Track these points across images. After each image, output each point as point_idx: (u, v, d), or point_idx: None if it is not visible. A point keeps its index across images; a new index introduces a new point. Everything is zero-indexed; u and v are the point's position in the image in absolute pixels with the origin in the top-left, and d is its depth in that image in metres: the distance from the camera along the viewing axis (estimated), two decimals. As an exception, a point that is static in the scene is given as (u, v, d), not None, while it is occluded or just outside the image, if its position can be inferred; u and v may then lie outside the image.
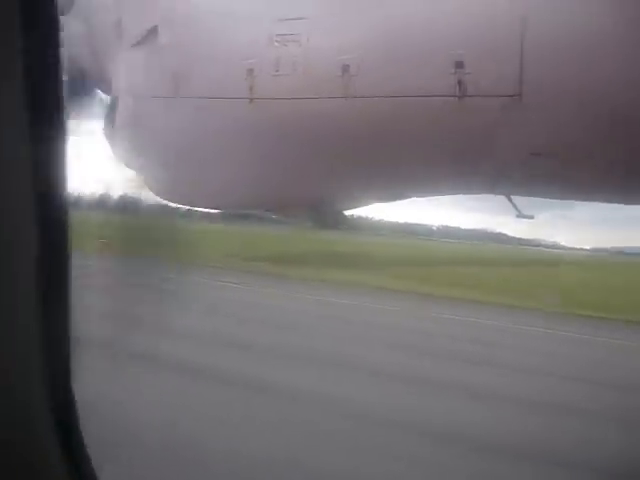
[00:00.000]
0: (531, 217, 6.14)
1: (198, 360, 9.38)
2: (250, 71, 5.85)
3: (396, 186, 6.44)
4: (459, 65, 4.96)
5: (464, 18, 5.00)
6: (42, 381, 1.13)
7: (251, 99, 5.90)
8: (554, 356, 13.13)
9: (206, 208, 8.06)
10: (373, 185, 6.46)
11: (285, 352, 10.62)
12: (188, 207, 8.49)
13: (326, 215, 6.76)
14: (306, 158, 6.03)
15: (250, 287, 19.44)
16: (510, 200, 6.10)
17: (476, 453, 6.25)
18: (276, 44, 5.74)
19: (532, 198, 6.35)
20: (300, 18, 5.64)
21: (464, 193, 6.54)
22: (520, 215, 6.12)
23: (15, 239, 1.00)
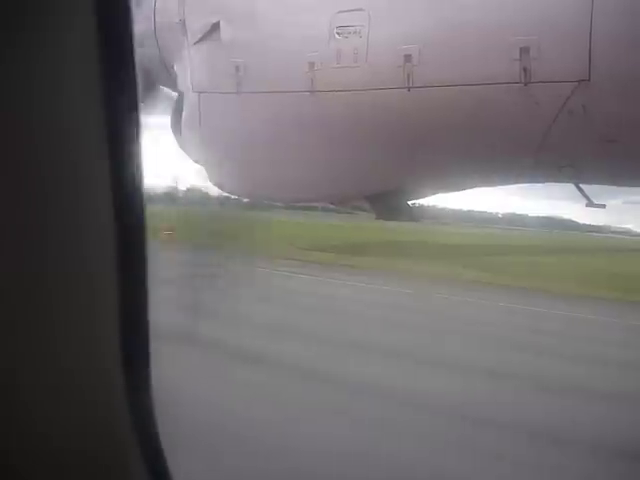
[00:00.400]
0: (602, 206, 5.97)
1: (268, 351, 9.47)
2: (312, 64, 5.86)
3: (462, 176, 6.36)
4: (524, 51, 4.84)
5: (528, 2, 4.88)
6: (123, 393, 1.16)
7: (313, 92, 5.92)
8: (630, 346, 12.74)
9: (271, 202, 8.12)
10: (438, 175, 6.39)
11: (347, 342, 10.63)
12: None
13: (391, 206, 6.72)
14: (369, 149, 6.01)
15: (317, 277, 19.52)
16: (580, 189, 5.95)
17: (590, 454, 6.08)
18: (337, 36, 5.73)
19: (600, 185, 6.17)
20: (360, 9, 5.61)
21: (533, 182, 6.39)
22: (590, 204, 5.95)
23: (94, 243, 1.03)
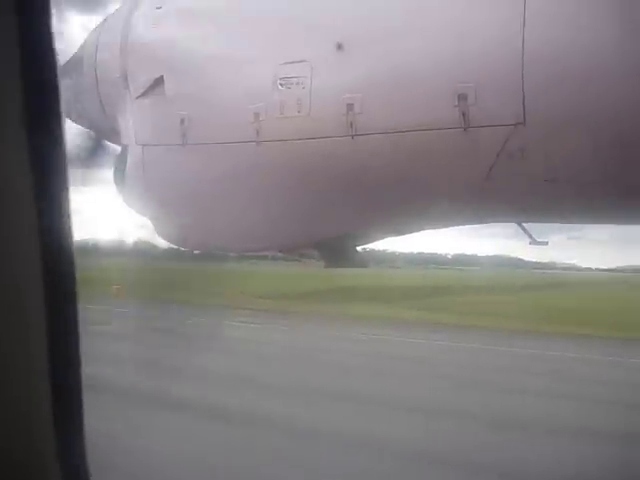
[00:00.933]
0: (545, 243, 6.12)
1: (208, 400, 9.34)
2: (256, 115, 5.92)
3: (407, 220, 6.45)
4: (462, 97, 4.99)
5: (464, 51, 5.05)
6: (54, 438, 1.16)
7: (258, 142, 5.96)
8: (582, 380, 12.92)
9: (217, 252, 8.08)
10: (385, 220, 6.47)
11: (294, 388, 10.59)
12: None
13: (339, 253, 6.75)
14: (316, 197, 6.07)
15: (267, 325, 19.40)
16: (522, 227, 6.10)
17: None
18: (280, 87, 5.81)
19: (542, 223, 6.33)
20: (302, 61, 5.71)
21: (476, 224, 6.53)
22: (534, 242, 6.10)
23: (23, 291, 1.02)
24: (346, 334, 17.30)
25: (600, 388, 12.15)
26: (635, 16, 4.49)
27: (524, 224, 6.17)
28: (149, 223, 7.59)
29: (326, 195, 6.04)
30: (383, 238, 7.01)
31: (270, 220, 6.55)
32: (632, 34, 4.51)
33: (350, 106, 5.43)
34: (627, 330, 17.60)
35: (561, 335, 17.58)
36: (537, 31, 4.75)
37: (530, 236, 6.09)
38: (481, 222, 6.45)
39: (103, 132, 7.77)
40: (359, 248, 7.05)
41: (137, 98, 6.78)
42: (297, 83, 5.72)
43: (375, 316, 21.02)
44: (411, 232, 6.92)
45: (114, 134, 7.46)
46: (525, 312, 21.63)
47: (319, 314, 21.18)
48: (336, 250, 6.74)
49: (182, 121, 6.38)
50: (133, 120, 6.95)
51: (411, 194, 5.81)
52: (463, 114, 5.03)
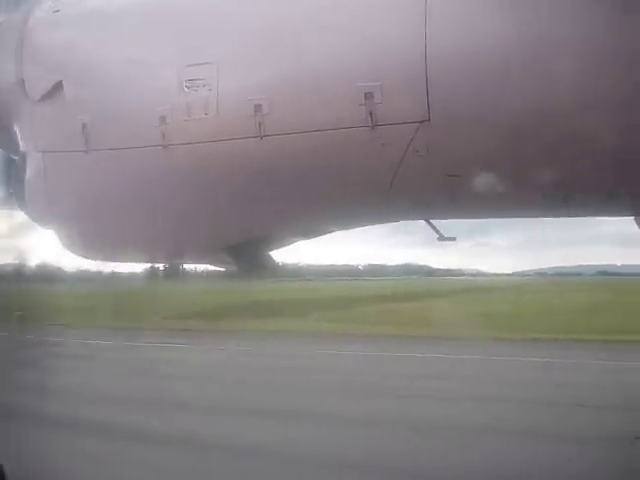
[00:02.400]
0: (453, 239, 6.25)
1: (121, 421, 9.16)
2: (163, 118, 5.80)
3: (317, 221, 6.47)
4: (369, 96, 5.05)
5: (369, 50, 5.12)
6: None
7: (165, 146, 5.84)
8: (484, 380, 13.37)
9: (124, 262, 7.85)
10: (294, 223, 6.47)
11: (203, 404, 10.49)
12: (107, 264, 8.24)
13: (252, 258, 6.70)
14: (226, 200, 6.00)
15: (181, 345, 19.03)
16: (430, 224, 6.21)
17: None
18: (186, 89, 5.72)
19: (448, 219, 6.47)
20: (207, 63, 5.65)
21: (387, 222, 6.61)
22: (442, 238, 6.22)
23: None
24: (252, 349, 17.20)
25: (483, 386, 12.72)
26: (539, 12, 4.67)
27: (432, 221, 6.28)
28: (53, 237, 7.30)
29: (236, 198, 5.98)
30: (294, 242, 7.00)
31: (179, 226, 6.42)
32: (535, 30, 4.69)
33: (258, 107, 5.40)
34: (524, 331, 18.44)
35: (465, 339, 18.13)
36: (439, 28, 4.87)
37: (438, 232, 6.22)
38: (390, 221, 6.55)
39: None
40: (271, 254, 6.99)
41: (35, 104, 6.52)
42: (203, 85, 5.64)
43: (287, 330, 20.98)
44: (322, 234, 6.94)
45: (9, 143, 7.15)
46: (432, 318, 22.16)
47: (230, 330, 20.98)
48: (249, 255, 6.67)
49: (84, 126, 6.17)
50: (32, 127, 6.68)
51: (321, 194, 5.83)
52: (370, 113, 5.10)
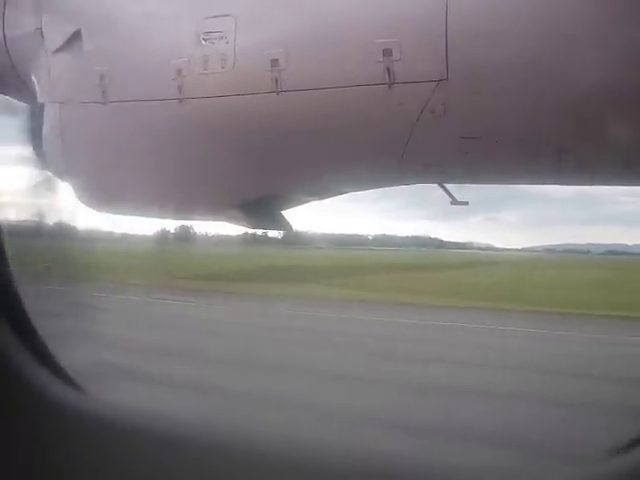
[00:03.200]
0: (466, 203, 6.24)
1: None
2: (179, 71, 5.79)
3: (331, 180, 6.46)
4: (387, 53, 5.02)
5: (388, 6, 5.08)
6: None
7: (181, 99, 5.84)
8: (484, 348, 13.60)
9: (139, 216, 7.89)
10: (307, 182, 6.46)
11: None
12: (122, 216, 8.29)
13: (264, 214, 6.71)
14: (240, 155, 5.99)
15: (192, 303, 19.28)
16: (444, 188, 6.19)
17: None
18: (203, 42, 5.70)
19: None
20: (226, 15, 5.61)
21: (400, 184, 6.59)
22: (454, 202, 6.21)
23: None
24: (267, 311, 17.33)
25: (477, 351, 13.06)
26: None
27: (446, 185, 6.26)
28: (70, 190, 7.34)
29: (250, 154, 5.97)
30: (307, 201, 7.00)
31: (194, 181, 6.43)
32: None
33: (275, 61, 5.38)
34: (532, 304, 18.53)
35: (474, 309, 18.25)
36: None
37: (451, 196, 6.20)
38: (403, 183, 6.51)
39: (11, 90, 7.44)
40: (283, 212, 6.99)
41: (53, 54, 6.52)
42: (221, 38, 5.62)
43: (298, 295, 21.04)
44: (335, 194, 6.94)
45: (26, 92, 7.15)
46: (441, 288, 22.19)
47: (243, 293, 21.07)
48: (261, 211, 6.68)
49: (102, 77, 6.18)
50: (49, 78, 6.68)
51: (335, 152, 5.82)
52: (388, 70, 5.07)
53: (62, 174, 7.29)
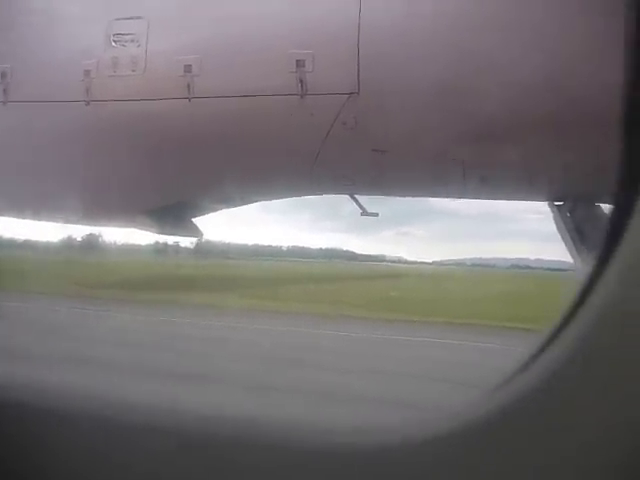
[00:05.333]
0: (375, 215, 6.33)
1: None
2: (87, 72, 5.64)
3: (241, 188, 6.42)
4: (300, 64, 5.06)
5: (302, 17, 5.12)
6: None
7: (88, 101, 5.68)
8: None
9: (44, 221, 7.60)
10: (218, 189, 6.40)
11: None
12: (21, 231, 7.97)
13: (173, 221, 6.60)
14: (149, 161, 5.88)
15: (104, 312, 18.78)
16: (354, 199, 6.27)
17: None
18: (114, 44, 5.58)
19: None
20: (138, 17, 5.52)
21: (310, 194, 6.63)
22: (365, 213, 6.28)
23: None
24: (174, 320, 17.09)
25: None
26: None
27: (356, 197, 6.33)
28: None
29: (160, 160, 5.87)
30: (217, 209, 6.93)
31: (101, 187, 6.26)
32: (466, 8, 4.78)
33: (188, 67, 5.32)
34: (420, 315, 19.16)
35: (368, 319, 18.75)
36: (374, 1, 4.90)
37: (362, 207, 6.28)
38: (314, 193, 6.56)
39: None
40: (193, 218, 6.90)
41: None
42: (132, 40, 5.52)
43: (207, 304, 20.77)
44: (246, 202, 6.91)
45: None
46: (347, 300, 22.49)
47: (150, 301, 20.58)
48: (170, 218, 6.57)
49: (3, 75, 5.94)
50: None
51: (247, 161, 5.80)
52: (300, 81, 5.10)
53: None
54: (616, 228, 1.31)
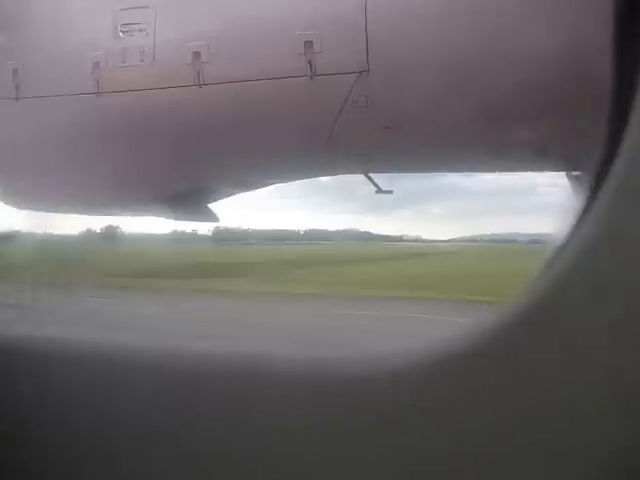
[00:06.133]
0: (390, 192, 6.33)
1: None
2: (96, 64, 5.67)
3: (256, 172, 6.45)
4: (308, 45, 5.04)
5: None
6: None
7: (98, 93, 5.72)
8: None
9: (59, 212, 7.69)
10: (232, 174, 6.44)
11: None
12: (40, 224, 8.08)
13: (189, 207, 6.65)
14: (163, 149, 5.91)
15: (124, 301, 19.02)
16: (369, 178, 6.27)
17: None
18: (121, 34, 5.60)
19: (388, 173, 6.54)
20: (145, 7, 5.53)
21: (325, 175, 6.65)
22: (379, 191, 6.29)
23: None
24: (196, 305, 17.23)
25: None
26: None
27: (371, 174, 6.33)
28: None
29: (173, 147, 5.90)
30: (233, 193, 6.96)
31: (115, 177, 6.31)
32: None
33: (197, 54, 5.33)
34: (448, 292, 19.08)
35: (384, 299, 18.77)
36: None
37: (376, 185, 6.28)
38: (329, 174, 6.58)
39: None
40: (209, 203, 6.95)
41: None
42: (140, 30, 5.53)
43: (228, 290, 20.90)
44: (261, 186, 6.93)
45: None
46: (365, 280, 22.55)
47: (173, 289, 20.77)
48: (186, 204, 6.62)
49: (15, 72, 5.99)
50: None
51: (259, 145, 5.81)
52: (309, 62, 5.09)
53: None
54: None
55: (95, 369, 1.95)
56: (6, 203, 7.14)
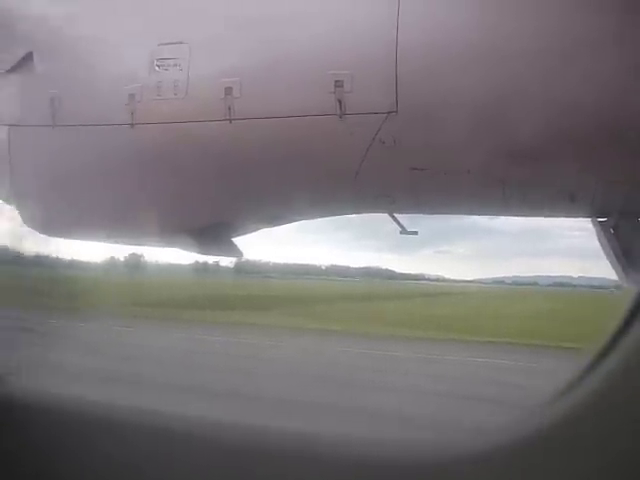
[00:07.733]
0: (415, 233, 6.34)
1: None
2: (132, 96, 5.80)
3: (281, 209, 6.50)
4: (339, 84, 5.12)
5: (342, 39, 5.19)
6: None
7: (133, 125, 5.83)
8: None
9: (90, 241, 7.79)
10: (258, 209, 6.49)
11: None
12: (70, 241, 8.17)
13: (214, 241, 6.70)
14: (191, 183, 5.99)
15: (147, 331, 19.08)
16: (394, 217, 6.29)
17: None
18: (157, 68, 5.73)
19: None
20: (180, 42, 5.66)
21: (350, 213, 6.68)
22: (404, 231, 6.30)
23: None
24: (215, 338, 17.25)
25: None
26: (504, 5, 4.78)
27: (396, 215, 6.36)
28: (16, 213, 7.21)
29: (202, 181, 5.99)
30: (259, 228, 7.02)
31: (145, 207, 6.39)
32: (503, 23, 4.80)
33: (229, 89, 5.43)
34: (458, 333, 18.94)
35: (406, 338, 18.61)
36: (411, 19, 4.95)
37: (401, 225, 6.30)
38: (354, 212, 6.61)
39: None
40: (233, 238, 7.00)
41: (3, 75, 6.45)
42: (174, 65, 5.66)
43: (248, 322, 20.99)
44: (287, 222, 6.98)
45: None
46: (385, 319, 22.40)
47: (195, 320, 20.89)
48: (211, 238, 6.68)
49: (52, 100, 6.14)
50: None
51: (287, 181, 5.88)
52: (339, 101, 5.16)
53: (10, 198, 7.17)
54: None
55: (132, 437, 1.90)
56: (34, 229, 7.26)
